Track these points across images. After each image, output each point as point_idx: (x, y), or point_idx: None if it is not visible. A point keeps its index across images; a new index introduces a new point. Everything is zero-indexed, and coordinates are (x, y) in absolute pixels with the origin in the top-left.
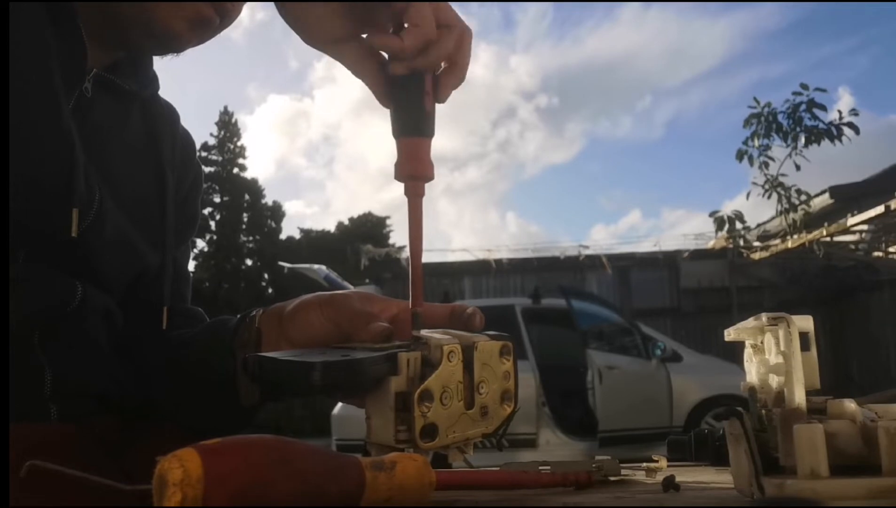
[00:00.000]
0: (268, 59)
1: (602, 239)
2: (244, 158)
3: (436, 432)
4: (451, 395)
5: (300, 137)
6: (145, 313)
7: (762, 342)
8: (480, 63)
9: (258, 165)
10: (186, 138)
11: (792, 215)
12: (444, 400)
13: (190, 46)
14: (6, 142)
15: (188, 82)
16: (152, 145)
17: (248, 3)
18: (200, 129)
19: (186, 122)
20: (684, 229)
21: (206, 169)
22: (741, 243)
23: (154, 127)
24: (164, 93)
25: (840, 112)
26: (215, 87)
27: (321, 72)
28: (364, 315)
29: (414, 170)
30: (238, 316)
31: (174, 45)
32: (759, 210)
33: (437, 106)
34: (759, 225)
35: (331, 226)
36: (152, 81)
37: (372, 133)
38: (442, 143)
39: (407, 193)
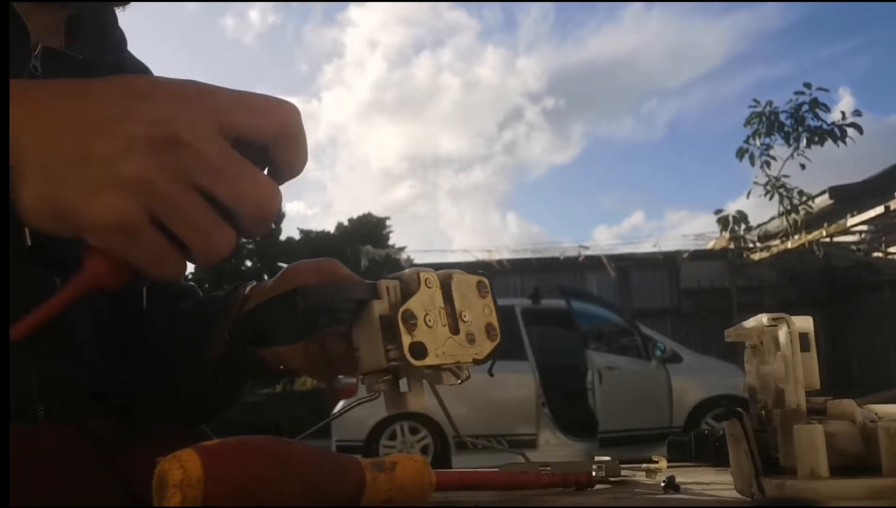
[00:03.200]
0: (277, 61)
1: (604, 240)
2: None
3: (424, 351)
4: (434, 319)
5: (307, 138)
6: (131, 301)
7: (762, 343)
8: (487, 65)
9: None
10: None
11: (794, 215)
12: (427, 322)
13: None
14: (6, 141)
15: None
16: None
17: (259, 7)
18: None
19: None
20: (686, 230)
21: None
22: (742, 243)
23: None
24: None
25: (843, 113)
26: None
27: (329, 74)
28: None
29: None
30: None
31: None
32: (760, 210)
33: (443, 109)
34: (759, 225)
35: (332, 227)
36: (117, 46)
37: (377, 135)
38: (447, 144)
39: None
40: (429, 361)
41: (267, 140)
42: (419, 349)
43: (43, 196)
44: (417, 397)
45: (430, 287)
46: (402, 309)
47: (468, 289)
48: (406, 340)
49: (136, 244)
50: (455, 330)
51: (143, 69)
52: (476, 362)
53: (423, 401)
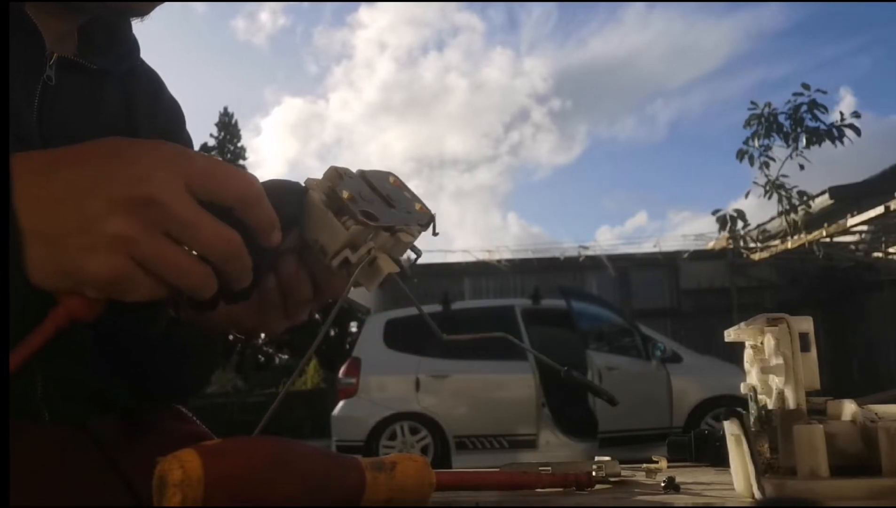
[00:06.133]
0: (287, 62)
1: (607, 241)
2: (244, 159)
3: (375, 216)
4: (368, 197)
5: (313, 139)
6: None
7: (762, 343)
8: (495, 66)
9: (271, 166)
10: (172, 110)
11: (793, 215)
12: (364, 197)
13: (152, 9)
14: (6, 142)
15: (207, 85)
16: (130, 125)
17: (270, 8)
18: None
19: (204, 123)
20: (688, 231)
21: None
22: (741, 243)
23: (131, 104)
24: (182, 96)
25: (842, 113)
26: (234, 90)
27: (338, 75)
28: None
29: None
30: None
31: (135, 11)
32: (762, 210)
33: (450, 110)
34: (759, 225)
35: None
36: (129, 55)
37: (384, 135)
38: (454, 145)
39: None
40: (382, 222)
41: (228, 204)
42: (369, 214)
43: (44, 261)
44: (387, 262)
45: (350, 177)
46: (338, 189)
47: (383, 181)
48: (355, 209)
49: (129, 290)
50: (390, 205)
51: (154, 76)
52: (421, 226)
53: (393, 264)
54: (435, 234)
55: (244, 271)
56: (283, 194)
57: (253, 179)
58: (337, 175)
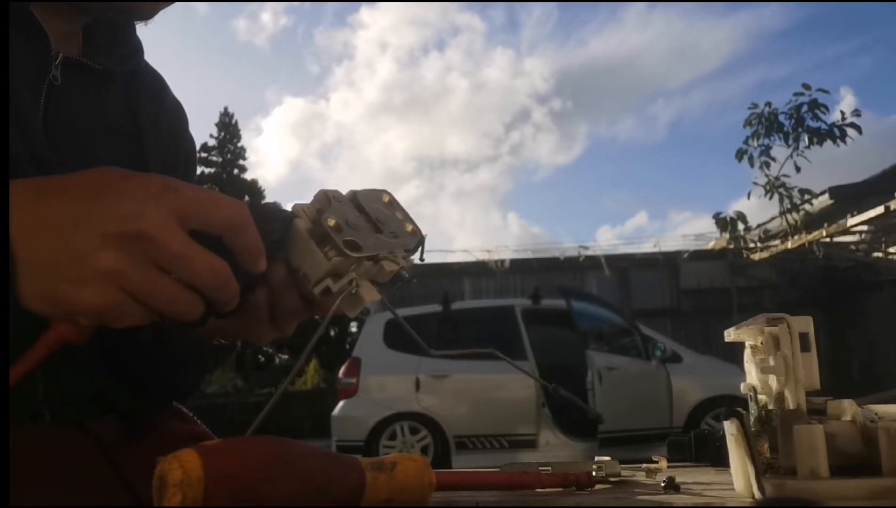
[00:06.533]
0: (288, 62)
1: (607, 241)
2: (244, 158)
3: (358, 245)
4: (355, 224)
5: (314, 139)
6: None
7: (762, 343)
8: (496, 66)
9: (272, 166)
10: (175, 111)
11: (794, 215)
12: (350, 225)
13: (157, 12)
14: (6, 141)
15: (209, 85)
16: (134, 126)
17: (271, 9)
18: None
19: (205, 124)
20: (689, 231)
21: (206, 170)
22: (741, 243)
23: (135, 105)
24: (183, 96)
25: (843, 113)
26: (236, 90)
27: (339, 75)
28: None
29: None
30: None
31: (139, 14)
32: (763, 210)
33: (451, 110)
34: (759, 225)
35: None
36: (133, 55)
37: (385, 136)
38: (455, 145)
39: None
40: (365, 252)
41: (218, 232)
42: (353, 244)
43: (37, 290)
44: (369, 291)
45: (339, 201)
46: (323, 217)
47: (375, 201)
48: (338, 239)
49: (120, 319)
50: (378, 230)
51: (157, 78)
52: (407, 251)
53: (375, 293)
54: (421, 260)
55: (232, 298)
56: (270, 221)
57: (241, 207)
58: (326, 199)
